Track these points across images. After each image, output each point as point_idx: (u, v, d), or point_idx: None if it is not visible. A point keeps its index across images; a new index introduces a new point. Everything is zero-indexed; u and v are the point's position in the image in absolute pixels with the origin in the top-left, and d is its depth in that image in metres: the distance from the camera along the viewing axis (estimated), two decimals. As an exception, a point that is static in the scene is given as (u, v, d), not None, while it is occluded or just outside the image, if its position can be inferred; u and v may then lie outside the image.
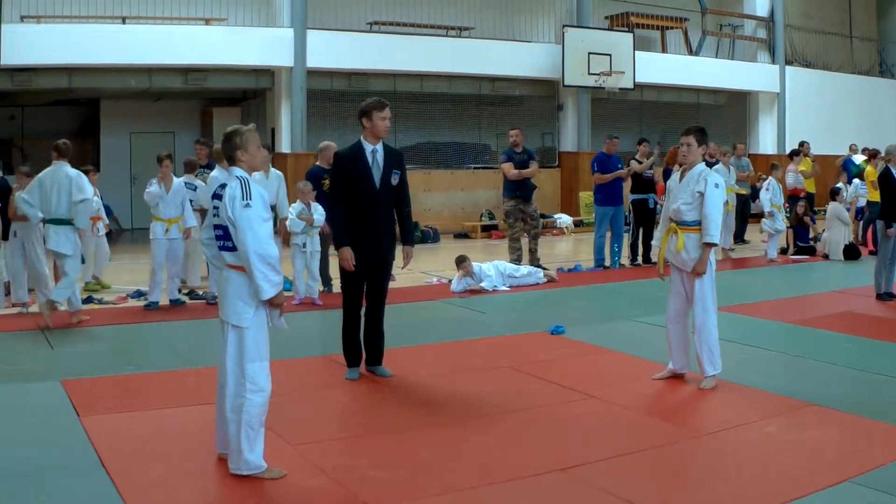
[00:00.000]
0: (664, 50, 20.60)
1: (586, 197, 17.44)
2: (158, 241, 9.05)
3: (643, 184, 12.32)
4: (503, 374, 6.37)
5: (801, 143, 16.52)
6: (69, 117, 18.44)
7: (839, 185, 14.61)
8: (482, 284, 10.05)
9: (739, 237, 15.05)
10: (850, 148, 17.98)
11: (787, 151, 17.06)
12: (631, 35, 18.81)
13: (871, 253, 12.19)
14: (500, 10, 18.63)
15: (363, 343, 6.26)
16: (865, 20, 24.55)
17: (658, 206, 11.85)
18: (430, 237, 16.13)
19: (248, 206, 4.16)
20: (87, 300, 9.24)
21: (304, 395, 5.77)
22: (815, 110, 21.34)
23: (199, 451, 4.60)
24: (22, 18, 14.15)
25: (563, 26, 18.10)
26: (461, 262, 10.12)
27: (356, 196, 6.05)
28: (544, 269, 11.07)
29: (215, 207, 4.35)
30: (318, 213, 9.19)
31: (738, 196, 14.46)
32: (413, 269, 9.68)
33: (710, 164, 9.93)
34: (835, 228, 13.02)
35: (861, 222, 14.30)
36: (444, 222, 17.34)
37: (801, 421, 5.15)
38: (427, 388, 6.01)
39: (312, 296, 9.23)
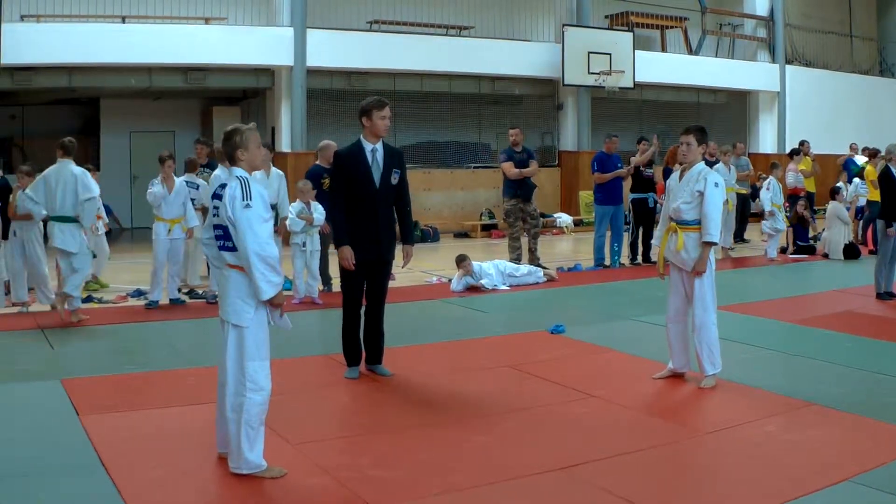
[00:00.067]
0: (664, 49, 20.59)
1: (586, 196, 17.44)
2: (161, 240, 9.07)
3: (643, 183, 12.32)
4: (503, 373, 6.37)
5: (801, 143, 16.54)
6: (69, 116, 18.43)
7: (839, 184, 14.62)
8: (482, 282, 10.05)
9: (739, 236, 15.05)
10: (851, 147, 17.99)
11: (787, 151, 17.08)
12: (631, 34, 18.79)
13: (870, 252, 12.19)
14: (500, 9, 18.65)
15: (363, 342, 6.26)
16: (865, 20, 24.54)
17: (658, 206, 11.85)
18: (430, 236, 16.13)
19: (248, 206, 4.16)
20: (87, 299, 9.23)
21: (304, 394, 5.77)
22: (815, 110, 21.31)
23: (199, 450, 4.60)
24: (22, 18, 14.16)
25: (563, 25, 18.08)
26: (461, 261, 10.13)
27: (356, 195, 6.04)
28: (544, 268, 11.07)
29: (215, 207, 4.34)
30: (318, 212, 9.20)
31: (739, 195, 14.48)
32: (413, 269, 9.69)
33: (710, 164, 9.94)
34: (835, 228, 13.01)
35: (861, 221, 14.31)
36: (444, 221, 17.34)
37: (802, 420, 5.15)
38: (427, 388, 6.00)
39: (312, 295, 9.23)
